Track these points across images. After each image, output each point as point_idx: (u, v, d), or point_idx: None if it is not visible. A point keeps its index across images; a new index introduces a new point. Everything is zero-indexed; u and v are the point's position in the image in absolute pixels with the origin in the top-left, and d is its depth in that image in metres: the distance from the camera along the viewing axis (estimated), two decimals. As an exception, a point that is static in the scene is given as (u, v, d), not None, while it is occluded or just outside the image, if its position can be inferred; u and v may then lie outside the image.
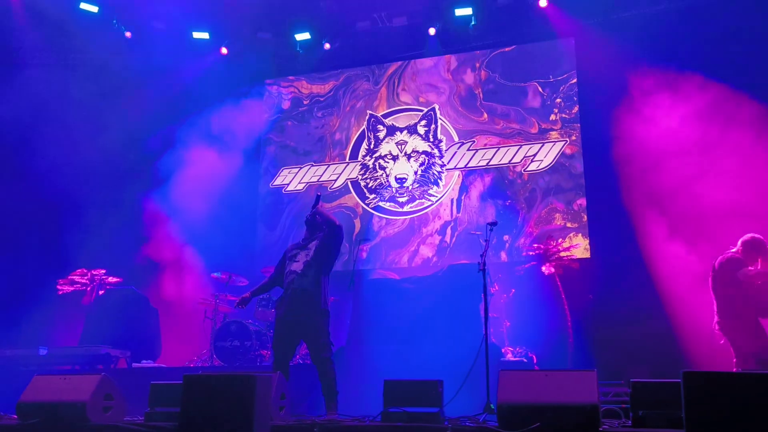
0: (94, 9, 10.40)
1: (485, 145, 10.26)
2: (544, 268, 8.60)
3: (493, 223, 6.36)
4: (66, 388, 5.43)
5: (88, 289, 9.48)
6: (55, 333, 9.27)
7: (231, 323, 8.73)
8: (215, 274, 9.32)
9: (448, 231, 10.17)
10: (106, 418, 5.40)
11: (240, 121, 10.62)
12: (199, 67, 10.62)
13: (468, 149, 10.33)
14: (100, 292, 9.52)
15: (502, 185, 10.00)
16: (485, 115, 10.37)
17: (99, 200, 10.31)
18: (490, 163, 10.15)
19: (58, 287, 9.56)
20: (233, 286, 9.45)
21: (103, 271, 9.66)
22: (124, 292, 9.65)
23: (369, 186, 10.78)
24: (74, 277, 9.58)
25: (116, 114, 9.90)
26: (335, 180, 11.02)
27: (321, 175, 11.13)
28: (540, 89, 10.11)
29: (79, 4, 10.22)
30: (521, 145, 10.07)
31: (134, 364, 8.70)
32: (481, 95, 10.44)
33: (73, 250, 9.92)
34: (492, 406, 5.37)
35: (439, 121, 10.60)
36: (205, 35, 10.96)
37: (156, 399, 5.45)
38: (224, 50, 11.05)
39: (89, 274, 9.57)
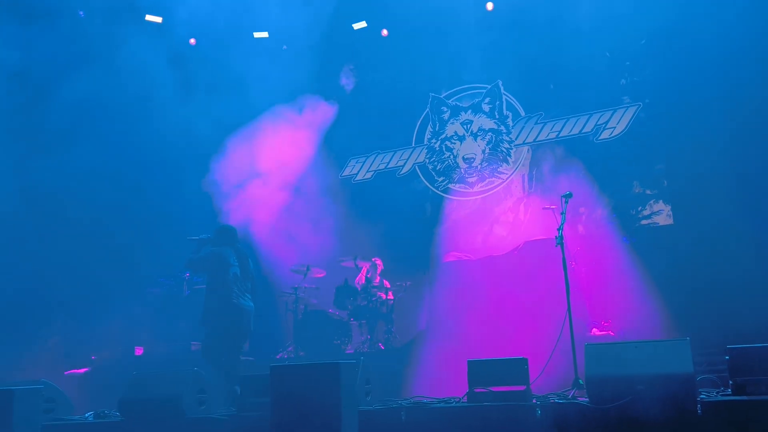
0: (159, 19, 10.75)
1: (553, 116, 9.98)
2: (624, 238, 8.31)
3: (568, 195, 6.19)
4: (162, 384, 5.69)
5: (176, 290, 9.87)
6: (147, 333, 9.68)
7: (311, 314, 8.88)
8: (293, 268, 9.50)
9: (521, 208, 9.98)
10: (201, 411, 5.62)
11: (308, 115, 10.70)
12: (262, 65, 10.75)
13: (536, 122, 10.08)
14: (187, 292, 9.88)
15: (574, 157, 9.69)
16: (551, 86, 10.08)
17: (178, 199, 10.66)
18: (560, 135, 9.87)
19: (148, 289, 9.99)
20: (311, 278, 9.61)
21: (187, 274, 10.01)
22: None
23: (437, 169, 10.72)
24: (162, 279, 9.98)
25: (184, 115, 10.15)
26: (403, 165, 11.00)
27: (388, 162, 11.14)
28: (607, 53, 9.72)
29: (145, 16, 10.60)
30: (591, 114, 9.73)
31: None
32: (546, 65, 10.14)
33: (158, 253, 10.32)
34: (580, 381, 5.25)
35: (504, 97, 10.39)
36: (264, 34, 11.12)
37: (247, 390, 5.62)
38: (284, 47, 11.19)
39: (176, 275, 9.94)
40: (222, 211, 9.42)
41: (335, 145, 10.98)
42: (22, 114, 10.15)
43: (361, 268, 9.30)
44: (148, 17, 10.69)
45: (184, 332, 9.48)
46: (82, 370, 8.86)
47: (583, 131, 9.73)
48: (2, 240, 9.02)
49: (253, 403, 5.50)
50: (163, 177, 10.69)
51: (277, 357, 9.04)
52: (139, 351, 9.20)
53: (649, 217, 8.60)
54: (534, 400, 5.03)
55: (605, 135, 9.57)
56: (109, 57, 10.10)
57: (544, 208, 6.78)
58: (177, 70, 10.35)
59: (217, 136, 9.80)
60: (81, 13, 10.63)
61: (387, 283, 9.33)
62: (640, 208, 8.93)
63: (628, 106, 9.51)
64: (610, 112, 9.60)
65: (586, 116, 9.76)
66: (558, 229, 5.89)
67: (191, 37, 11.09)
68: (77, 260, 9.14)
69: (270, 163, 9.97)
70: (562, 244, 5.82)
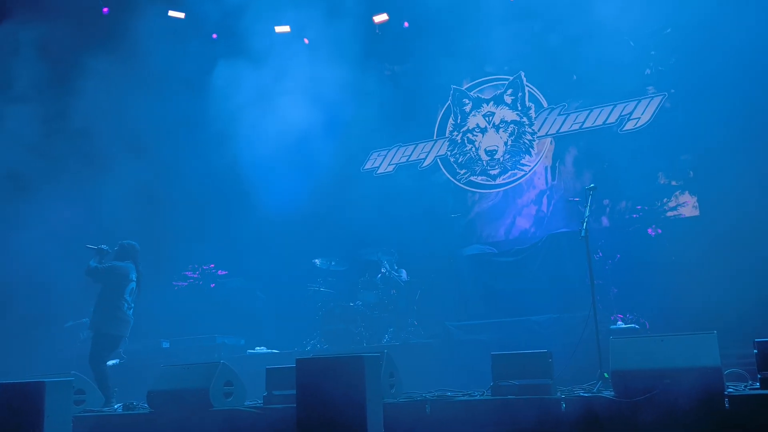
0: (181, 15, 10.84)
1: (577, 107, 9.89)
2: (649, 230, 8.22)
3: (593, 188, 6.14)
4: (189, 377, 5.78)
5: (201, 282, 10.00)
6: (173, 326, 9.82)
7: (335, 307, 8.93)
8: (316, 261, 9.56)
9: (544, 200, 9.93)
10: (228, 403, 5.70)
11: (329, 107, 10.71)
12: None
13: (559, 114, 10.00)
14: (212, 285, 10.00)
15: (598, 148, 9.60)
16: (574, 77, 9.98)
17: (201, 194, 10.79)
18: (584, 126, 9.78)
19: (174, 283, 10.13)
20: (334, 270, 9.66)
21: (212, 265, 10.14)
22: (234, 282, 10.10)
23: (459, 161, 10.69)
24: (187, 273, 10.11)
25: (211, 112, 10.25)
26: (424, 158, 10.99)
27: (409, 155, 11.13)
28: (631, 42, 9.60)
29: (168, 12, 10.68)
30: (615, 104, 9.63)
31: (248, 351, 9.11)
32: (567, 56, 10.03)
33: (182, 246, 10.46)
34: (605, 374, 5.22)
35: (526, 88, 10.31)
36: (286, 29, 11.15)
37: (272, 383, 5.69)
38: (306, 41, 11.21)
39: (200, 269, 10.07)
40: (251, 201, 9.54)
41: (357, 138, 11.00)
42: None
43: (384, 261, 9.32)
44: (171, 13, 10.76)
45: (209, 325, 9.61)
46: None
47: (607, 122, 9.64)
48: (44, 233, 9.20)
49: (279, 395, 5.57)
50: (189, 169, 10.80)
51: (301, 350, 9.11)
52: (165, 343, 9.33)
53: (674, 208, 8.51)
54: (559, 394, 5.02)
55: (630, 126, 9.47)
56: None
57: (568, 200, 6.75)
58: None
59: (238, 122, 9.84)
60: (105, 9, 10.76)
61: (409, 276, 9.35)
62: (665, 200, 8.83)
63: (653, 96, 9.39)
64: (635, 102, 9.48)
65: (610, 107, 9.65)
66: (582, 222, 5.85)
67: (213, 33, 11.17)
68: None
69: (296, 155, 10.04)
70: (586, 237, 5.78)
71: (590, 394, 4.93)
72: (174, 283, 10.10)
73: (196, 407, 5.58)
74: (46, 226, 9.19)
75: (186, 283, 10.15)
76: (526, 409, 4.84)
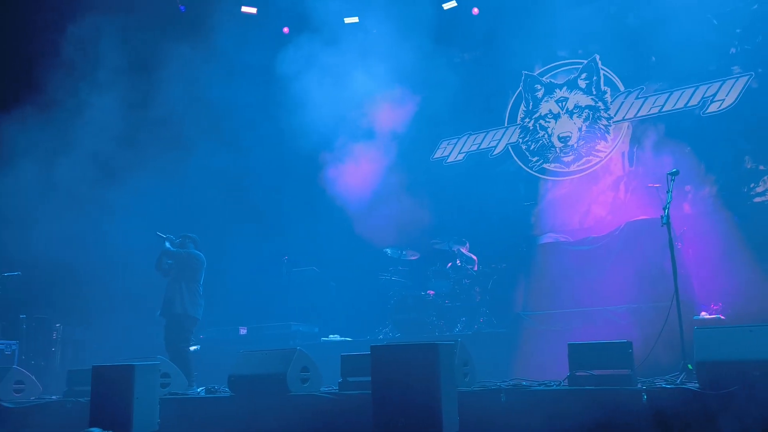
0: (253, 10, 11.09)
1: (656, 90, 9.52)
2: (735, 216, 7.84)
3: (675, 173, 5.91)
4: (267, 362, 5.94)
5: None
6: (250, 314, 10.11)
7: (407, 296, 8.97)
8: (388, 250, 9.62)
9: (621, 186, 9.62)
10: (304, 389, 5.83)
11: (398, 97, 10.72)
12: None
13: (636, 97, 9.65)
14: (286, 274, 10.23)
15: (678, 132, 9.22)
16: (653, 58, 9.60)
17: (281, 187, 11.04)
18: (663, 110, 9.41)
19: (251, 272, 10.41)
20: (406, 260, 9.69)
21: (286, 257, 10.37)
22: (308, 271, 10.30)
23: (531, 149, 10.50)
24: (262, 262, 10.39)
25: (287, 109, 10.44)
26: (495, 146, 10.85)
27: (480, 143, 11.02)
28: (714, 20, 9.15)
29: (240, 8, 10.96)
30: (698, 86, 9.21)
31: (322, 338, 9.28)
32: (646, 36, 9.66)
33: (258, 236, 10.74)
34: (689, 365, 5.04)
35: (601, 72, 10.00)
36: (354, 19, 11.22)
37: (347, 370, 5.78)
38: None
39: (275, 258, 10.32)
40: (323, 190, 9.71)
41: (426, 127, 10.96)
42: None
43: (455, 250, 9.29)
44: (244, 9, 11.02)
45: (284, 313, 9.84)
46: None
47: (688, 105, 9.23)
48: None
49: (354, 381, 5.65)
50: (264, 160, 11.06)
51: (374, 338, 9.21)
52: (243, 330, 9.63)
53: (762, 194, 8.09)
54: (640, 385, 4.87)
55: (713, 108, 9.04)
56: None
57: (647, 186, 6.52)
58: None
59: (309, 113, 9.99)
60: (182, 7, 11.12)
61: (482, 266, 9.28)
62: (752, 185, 8.40)
63: (738, 77, 8.93)
64: (719, 83, 9.04)
65: (692, 89, 9.24)
66: (664, 208, 5.64)
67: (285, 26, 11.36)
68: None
69: (366, 145, 10.11)
70: (668, 224, 5.57)
71: (673, 386, 4.76)
72: (251, 272, 10.38)
73: (274, 392, 5.73)
74: (133, 212, 9.60)
75: (262, 272, 10.42)
76: (605, 399, 4.72)
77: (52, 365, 10.03)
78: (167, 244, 7.81)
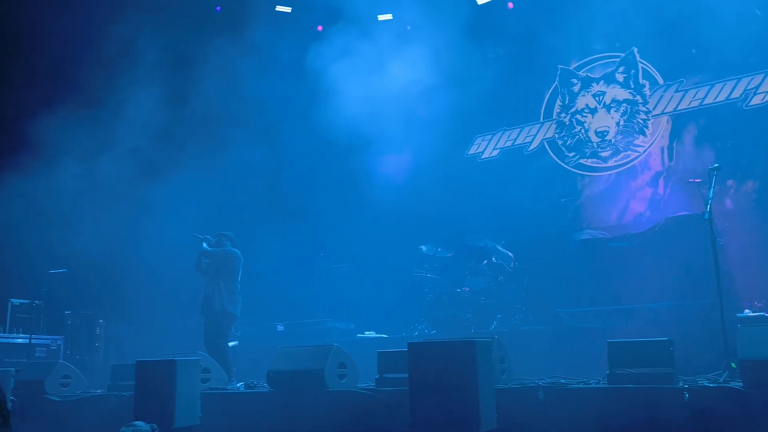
0: (288, 9, 11.20)
1: (696, 83, 9.32)
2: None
3: (717, 168, 5.79)
4: (305, 358, 6.00)
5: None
6: (287, 310, 10.22)
7: (442, 293, 8.96)
8: (423, 247, 9.62)
9: (661, 182, 9.45)
10: (342, 385, 5.87)
11: (432, 93, 10.70)
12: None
13: (676, 90, 9.46)
14: (322, 271, 10.31)
15: (720, 125, 9.01)
16: (693, 50, 9.40)
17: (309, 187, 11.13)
18: (704, 103, 9.20)
19: (288, 269, 10.52)
20: (441, 257, 9.68)
21: (322, 254, 10.45)
22: (343, 268, 10.36)
23: (567, 144, 10.37)
24: (298, 259, 10.48)
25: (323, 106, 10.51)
26: (530, 142, 10.75)
27: (515, 139, 10.93)
28: (758, 10, 8.91)
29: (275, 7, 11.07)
30: (740, 78, 8.98)
31: (358, 335, 9.34)
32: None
33: (293, 232, 10.84)
34: (733, 364, 4.94)
35: (640, 65, 9.83)
36: (388, 16, 11.23)
37: (384, 366, 5.80)
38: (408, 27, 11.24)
39: (311, 255, 10.40)
40: (358, 188, 9.74)
41: (460, 123, 10.91)
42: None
43: (491, 247, 9.24)
44: (279, 8, 11.12)
45: (320, 310, 9.93)
46: (231, 344, 9.53)
47: (730, 97, 9.01)
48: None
49: (391, 378, 5.67)
50: (299, 157, 11.16)
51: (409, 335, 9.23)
52: (280, 327, 9.74)
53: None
54: (681, 383, 4.80)
55: (756, 100, 8.81)
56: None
57: (688, 182, 6.40)
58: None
59: (344, 111, 10.04)
60: (218, 8, 11.29)
61: (518, 262, 9.21)
62: (798, 179, 8.17)
63: (784, 67, 8.69)
64: (762, 75, 8.81)
65: (734, 81, 9.02)
66: (705, 204, 5.53)
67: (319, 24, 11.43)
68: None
69: (401, 142, 10.12)
70: (710, 220, 5.47)
71: (716, 385, 4.68)
72: (287, 268, 10.48)
73: (311, 387, 5.79)
74: (172, 209, 9.78)
75: (298, 269, 10.52)
76: (645, 398, 4.67)
77: (95, 360, 10.31)
78: (204, 245, 7.96)
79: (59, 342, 9.99)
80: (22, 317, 9.74)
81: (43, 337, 9.76)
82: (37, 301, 9.50)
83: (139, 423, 5.51)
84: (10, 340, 9.55)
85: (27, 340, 9.25)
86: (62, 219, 9.52)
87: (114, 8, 10.32)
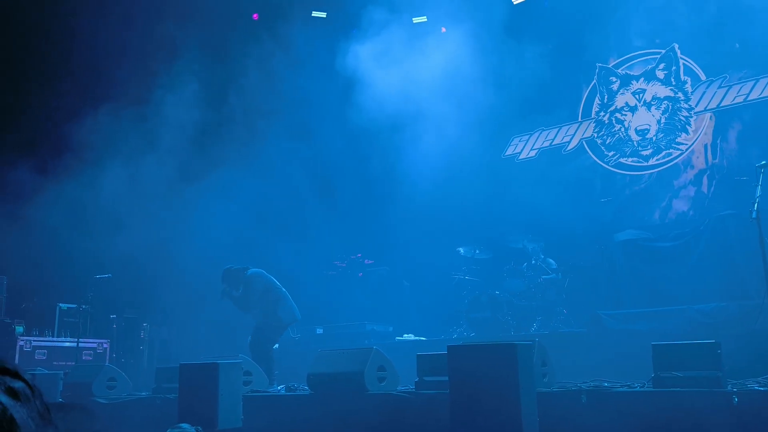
0: (323, 14, 11.29)
1: (740, 78, 9.08)
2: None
3: (764, 165, 5.63)
4: (345, 361, 6.02)
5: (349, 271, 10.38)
6: (326, 314, 10.28)
7: (481, 295, 8.90)
8: (462, 250, 9.57)
9: (704, 180, 9.23)
10: (382, 387, 5.88)
11: (468, 94, 10.64)
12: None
13: (719, 86, 9.23)
14: (359, 274, 10.34)
15: (766, 121, 8.75)
16: (737, 45, 9.16)
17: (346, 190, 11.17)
18: (749, 98, 8.95)
19: (325, 272, 10.60)
20: (479, 259, 9.62)
21: (359, 254, 10.49)
22: (381, 270, 10.38)
23: (607, 143, 10.21)
24: (335, 262, 10.54)
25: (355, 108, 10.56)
26: (569, 142, 10.61)
27: (553, 139, 10.80)
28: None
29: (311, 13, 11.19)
30: (787, 72, 8.72)
31: (396, 338, 9.34)
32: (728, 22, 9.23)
33: (331, 235, 10.91)
34: (784, 367, 4.79)
35: (681, 61, 9.62)
36: (423, 19, 11.24)
37: (423, 369, 5.78)
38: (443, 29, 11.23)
39: (348, 258, 10.45)
40: (395, 190, 9.75)
41: (497, 124, 10.83)
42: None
43: (530, 248, 9.15)
44: (315, 13, 11.22)
45: (359, 312, 9.95)
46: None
47: (777, 91, 8.75)
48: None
49: (431, 381, 5.66)
50: (337, 160, 11.23)
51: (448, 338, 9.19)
52: (319, 330, 9.80)
53: None
54: (730, 387, 4.67)
55: (805, 94, 8.55)
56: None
57: (735, 179, 6.23)
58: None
59: (381, 114, 10.06)
60: (255, 16, 11.44)
61: (557, 264, 9.10)
62: None
63: (833, 60, 8.41)
64: (811, 67, 8.54)
65: (781, 74, 8.76)
66: (753, 203, 5.39)
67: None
68: (265, 246, 9.86)
69: (437, 143, 10.10)
70: (758, 219, 5.32)
71: (766, 388, 4.54)
72: (325, 271, 10.55)
73: (351, 390, 5.81)
74: (213, 211, 9.94)
75: (335, 272, 10.58)
76: (692, 402, 4.55)
77: (139, 363, 10.54)
78: (229, 300, 8.01)
79: (105, 345, 10.24)
80: (70, 321, 10.00)
81: (90, 340, 10.02)
82: (84, 306, 9.74)
83: (184, 425, 5.59)
84: (59, 344, 9.84)
85: (74, 344, 9.48)
86: (106, 223, 9.76)
87: (153, 11, 10.55)
